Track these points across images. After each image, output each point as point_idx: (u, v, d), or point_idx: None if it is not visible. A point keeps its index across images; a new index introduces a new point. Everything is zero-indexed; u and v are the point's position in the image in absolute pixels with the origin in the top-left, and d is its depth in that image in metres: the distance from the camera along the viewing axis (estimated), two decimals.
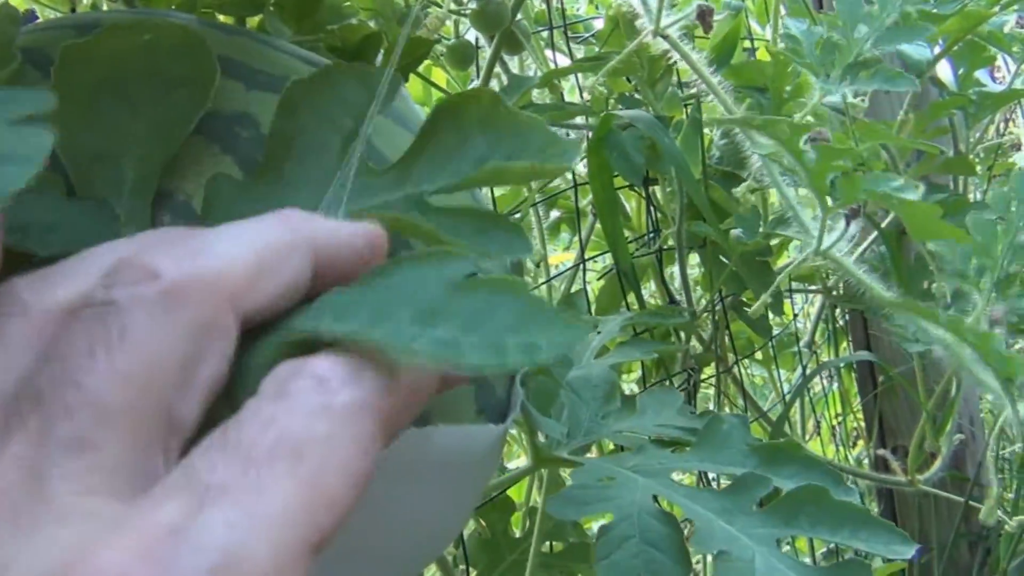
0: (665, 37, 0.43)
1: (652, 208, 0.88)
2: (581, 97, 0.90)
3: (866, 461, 1.23)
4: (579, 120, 0.79)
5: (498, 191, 0.89)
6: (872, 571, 0.36)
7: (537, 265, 0.89)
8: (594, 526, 0.87)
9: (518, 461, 1.04)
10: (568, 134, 0.84)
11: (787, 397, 1.05)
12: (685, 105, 0.84)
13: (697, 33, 0.85)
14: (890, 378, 1.07)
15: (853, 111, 0.88)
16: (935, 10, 0.76)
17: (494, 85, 0.67)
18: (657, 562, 0.37)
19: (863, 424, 1.22)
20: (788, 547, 1.10)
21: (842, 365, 1.22)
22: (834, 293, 1.00)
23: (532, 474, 0.79)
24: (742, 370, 0.98)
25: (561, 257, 1.12)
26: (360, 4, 0.54)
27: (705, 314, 0.86)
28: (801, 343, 1.12)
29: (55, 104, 0.24)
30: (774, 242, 0.85)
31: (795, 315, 1.17)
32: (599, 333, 0.68)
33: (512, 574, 0.72)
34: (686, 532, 0.42)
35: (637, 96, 0.80)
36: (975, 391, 1.10)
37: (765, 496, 0.41)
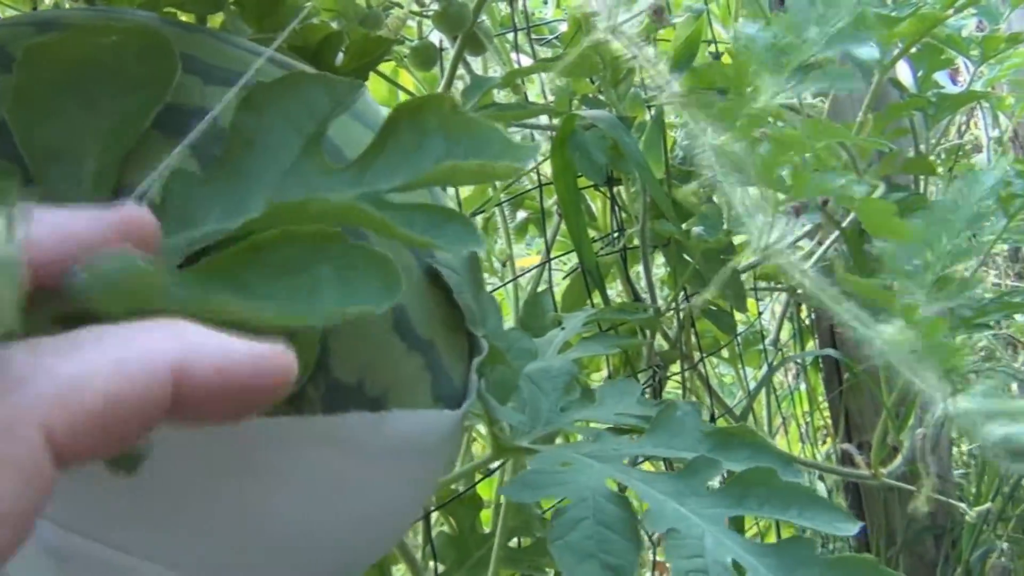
0: (618, 34, 0.44)
1: (617, 207, 0.90)
2: (546, 100, 0.91)
3: (834, 457, 1.24)
4: (543, 120, 0.80)
5: (464, 191, 0.90)
6: (815, 547, 0.37)
7: (504, 264, 0.90)
8: None
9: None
10: (532, 134, 0.86)
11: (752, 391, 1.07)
12: (648, 106, 0.85)
13: (662, 36, 0.87)
14: (855, 375, 1.09)
15: (811, 111, 0.90)
16: (893, 13, 0.78)
17: (458, 86, 0.68)
18: (609, 541, 0.38)
19: (830, 421, 1.23)
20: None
21: (808, 363, 1.24)
22: (799, 291, 1.02)
23: (500, 469, 0.80)
24: (709, 368, 0.99)
25: (531, 260, 1.13)
26: (322, 5, 0.55)
27: (670, 312, 0.87)
28: (767, 341, 1.14)
29: None
30: (738, 240, 0.86)
31: (759, 313, 1.19)
32: (563, 329, 0.69)
33: (480, 570, 0.73)
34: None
35: (600, 97, 0.82)
36: None
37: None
